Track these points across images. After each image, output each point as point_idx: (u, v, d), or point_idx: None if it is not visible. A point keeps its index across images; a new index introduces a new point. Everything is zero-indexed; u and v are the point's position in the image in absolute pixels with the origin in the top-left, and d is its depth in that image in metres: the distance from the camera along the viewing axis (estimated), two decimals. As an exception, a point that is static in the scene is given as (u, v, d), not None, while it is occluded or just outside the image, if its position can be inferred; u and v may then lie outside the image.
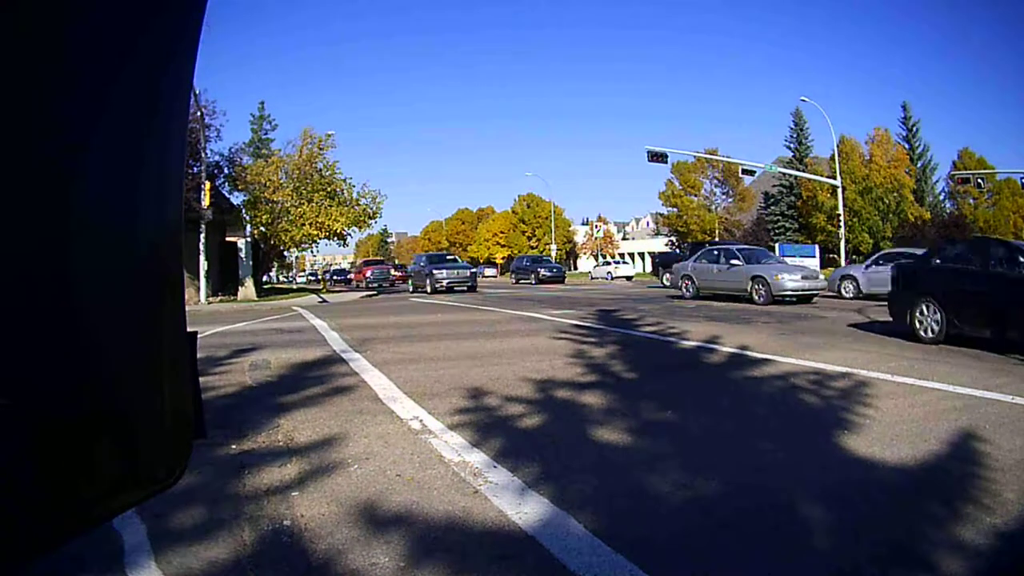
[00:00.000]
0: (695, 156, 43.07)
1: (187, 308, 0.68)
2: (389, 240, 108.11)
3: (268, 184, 22.65)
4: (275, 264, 43.26)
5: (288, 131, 58.43)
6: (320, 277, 56.04)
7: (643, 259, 64.04)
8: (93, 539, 2.17)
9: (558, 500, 2.55)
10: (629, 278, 37.56)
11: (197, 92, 18.21)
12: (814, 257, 37.94)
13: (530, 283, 32.91)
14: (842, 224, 31.18)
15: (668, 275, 24.26)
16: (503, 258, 66.40)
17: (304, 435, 3.60)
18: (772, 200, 48.77)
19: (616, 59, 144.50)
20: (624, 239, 68.91)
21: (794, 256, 29.47)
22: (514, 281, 36.00)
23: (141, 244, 0.58)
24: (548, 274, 32.83)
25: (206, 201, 18.40)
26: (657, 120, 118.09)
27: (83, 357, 0.53)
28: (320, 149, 23.93)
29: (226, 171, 24.26)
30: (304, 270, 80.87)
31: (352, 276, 51.11)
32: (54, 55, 0.50)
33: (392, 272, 37.57)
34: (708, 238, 39.96)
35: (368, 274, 34.27)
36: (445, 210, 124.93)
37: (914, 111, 47.26)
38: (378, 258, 51.95)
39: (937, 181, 47.03)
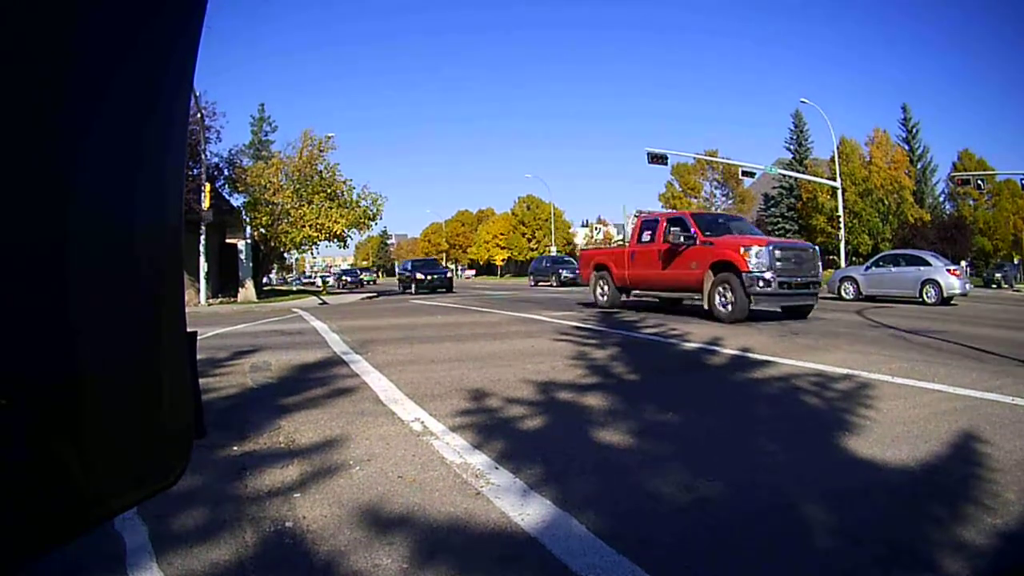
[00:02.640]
0: (695, 158, 43.11)
1: (187, 309, 0.68)
2: (389, 242, 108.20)
3: (268, 186, 22.71)
4: (275, 266, 41.18)
5: (288, 133, 58.60)
6: (323, 279, 51.29)
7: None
8: (94, 540, 2.16)
9: (560, 501, 2.55)
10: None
11: (197, 94, 18.24)
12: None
13: (550, 285, 30.70)
14: (842, 226, 31.19)
15: None
16: (503, 260, 66.49)
17: (305, 436, 3.60)
18: (772, 202, 48.84)
19: (616, 60, 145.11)
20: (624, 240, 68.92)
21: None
22: (532, 283, 33.43)
23: (141, 245, 0.58)
24: (570, 275, 30.33)
25: (206, 203, 18.44)
26: (657, 122, 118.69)
27: (82, 357, 0.53)
28: (320, 151, 24.01)
29: (226, 173, 24.32)
30: (304, 272, 78.60)
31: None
32: (53, 55, 0.50)
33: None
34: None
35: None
36: (445, 212, 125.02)
37: (914, 113, 47.52)
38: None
39: (937, 183, 47.15)
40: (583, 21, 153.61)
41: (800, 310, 10.72)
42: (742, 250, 9.92)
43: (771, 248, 9.95)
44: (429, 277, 26.30)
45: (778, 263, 9.81)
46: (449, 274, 27.81)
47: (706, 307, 10.33)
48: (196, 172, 19.16)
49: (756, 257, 9.75)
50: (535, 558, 2.09)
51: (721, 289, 10.09)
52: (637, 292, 12.68)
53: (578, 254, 17.53)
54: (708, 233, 10.91)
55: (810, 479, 2.82)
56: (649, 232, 12.20)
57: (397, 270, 42.22)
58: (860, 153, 42.87)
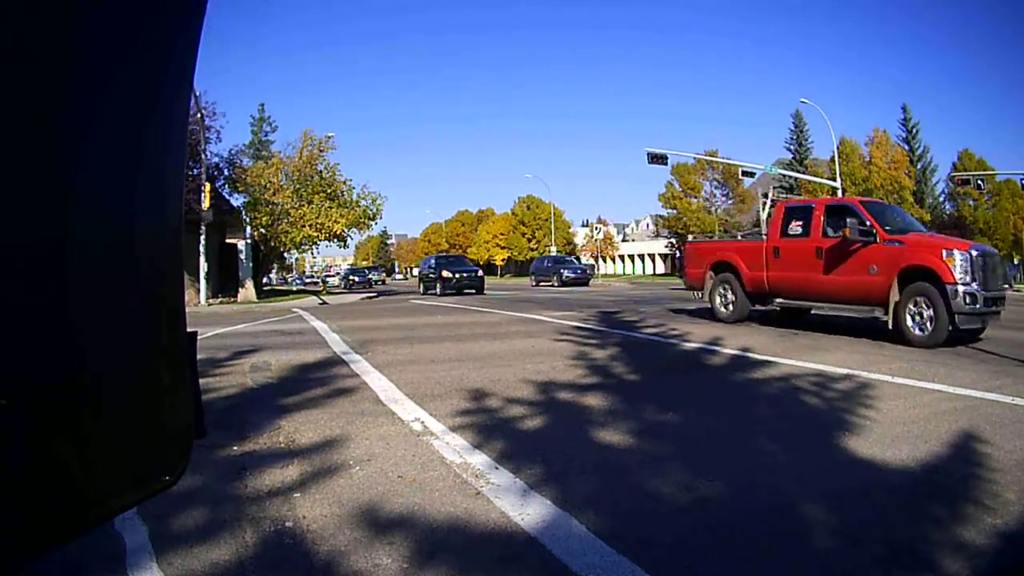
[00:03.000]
0: (695, 158, 43.00)
1: (187, 309, 0.68)
2: (389, 242, 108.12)
3: (268, 186, 22.69)
4: (275, 266, 40.25)
5: (288, 133, 58.28)
6: (322, 279, 48.23)
7: (643, 261, 64.14)
8: (94, 540, 2.16)
9: (560, 501, 2.55)
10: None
11: (197, 94, 18.24)
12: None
13: (552, 285, 30.43)
14: (842, 225, 31.11)
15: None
16: (503, 260, 66.47)
17: (305, 436, 3.60)
18: (772, 202, 48.76)
19: (616, 60, 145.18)
20: (624, 241, 68.94)
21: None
22: (534, 283, 33.01)
23: (141, 245, 0.58)
24: (572, 275, 30.35)
25: (206, 203, 18.43)
26: (657, 122, 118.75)
27: (82, 357, 0.53)
28: (320, 151, 24.00)
29: (226, 173, 24.30)
30: (304, 272, 77.81)
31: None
32: (54, 55, 0.49)
33: None
34: (708, 240, 39.81)
35: None
36: (445, 212, 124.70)
37: (914, 113, 47.27)
38: None
39: (937, 183, 46.98)
40: (583, 21, 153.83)
41: (972, 331, 7.81)
42: (945, 254, 7.30)
43: (975, 253, 7.37)
44: (457, 276, 22.38)
45: (980, 273, 7.30)
46: (480, 272, 24.04)
47: (891, 326, 7.68)
48: (196, 172, 19.14)
49: (961, 265, 7.19)
50: (535, 558, 2.09)
51: (913, 305, 7.47)
52: (780, 301, 9.27)
53: (683, 249, 13.07)
54: (888, 228, 8.12)
55: (810, 479, 2.82)
56: (799, 223, 9.04)
57: (396, 269, 40.34)
58: (860, 153, 42.80)
